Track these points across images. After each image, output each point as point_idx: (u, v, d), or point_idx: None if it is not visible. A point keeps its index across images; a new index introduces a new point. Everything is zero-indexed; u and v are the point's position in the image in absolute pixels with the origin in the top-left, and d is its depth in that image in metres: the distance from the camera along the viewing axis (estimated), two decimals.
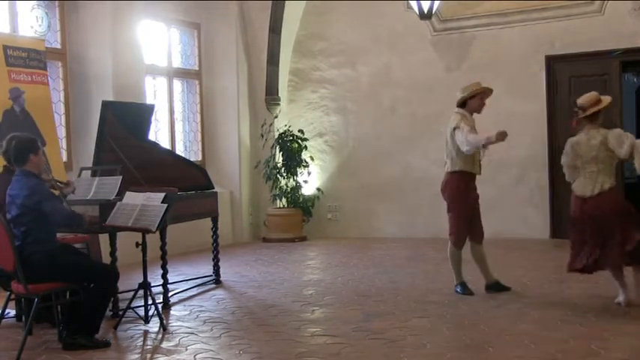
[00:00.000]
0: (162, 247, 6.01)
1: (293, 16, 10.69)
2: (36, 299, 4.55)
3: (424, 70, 10.10)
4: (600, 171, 5.34)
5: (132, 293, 5.38)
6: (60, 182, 5.27)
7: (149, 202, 5.15)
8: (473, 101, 6.04)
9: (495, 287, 6.08)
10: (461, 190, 5.97)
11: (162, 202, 5.11)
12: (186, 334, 4.99)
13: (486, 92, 6.10)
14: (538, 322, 4.99)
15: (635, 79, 10.77)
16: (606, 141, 5.28)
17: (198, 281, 6.99)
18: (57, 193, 5.11)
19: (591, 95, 5.45)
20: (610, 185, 5.34)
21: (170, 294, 6.14)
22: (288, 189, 10.46)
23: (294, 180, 10.49)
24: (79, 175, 6.33)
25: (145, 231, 5.13)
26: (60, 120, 8.23)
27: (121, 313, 5.36)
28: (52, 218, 4.66)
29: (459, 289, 6.05)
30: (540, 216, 9.52)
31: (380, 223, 10.38)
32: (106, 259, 5.93)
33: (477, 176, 6.11)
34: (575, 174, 5.53)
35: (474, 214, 6.06)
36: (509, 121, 8.98)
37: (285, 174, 10.44)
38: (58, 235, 5.13)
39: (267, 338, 4.82)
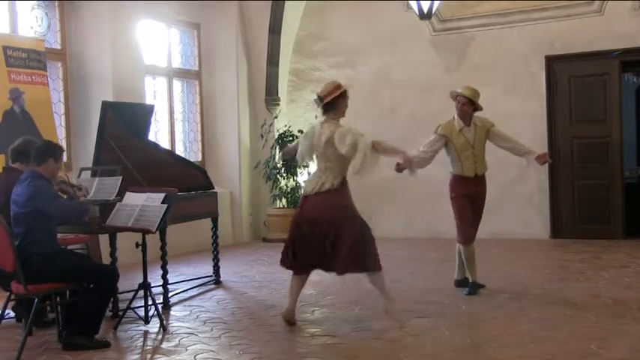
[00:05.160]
0: (162, 248, 6.00)
1: (293, 16, 10.68)
2: (36, 300, 4.55)
3: (424, 70, 10.09)
4: (327, 169, 5.06)
5: (132, 294, 5.38)
6: (72, 185, 5.29)
7: (149, 202, 5.16)
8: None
9: (464, 284, 6.18)
10: (453, 191, 6.09)
11: (162, 203, 5.11)
12: (186, 335, 4.99)
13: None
14: (538, 322, 4.99)
15: (635, 79, 10.76)
16: (333, 138, 4.96)
17: (199, 281, 6.99)
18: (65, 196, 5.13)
19: (330, 84, 5.14)
20: (330, 186, 5.00)
21: (170, 294, 6.14)
22: (288, 189, 10.46)
23: (294, 180, 10.48)
24: (79, 176, 6.33)
25: (144, 231, 5.13)
26: (60, 120, 8.24)
27: (120, 313, 5.36)
28: (61, 217, 4.69)
29: (470, 288, 6.06)
30: (540, 216, 9.51)
31: (380, 223, 10.32)
32: (106, 259, 5.94)
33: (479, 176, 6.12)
34: (309, 161, 5.35)
35: (473, 213, 6.10)
36: (509, 121, 9.00)
37: (285, 174, 10.44)
38: (59, 235, 5.14)
39: (267, 338, 4.82)
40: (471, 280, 6.11)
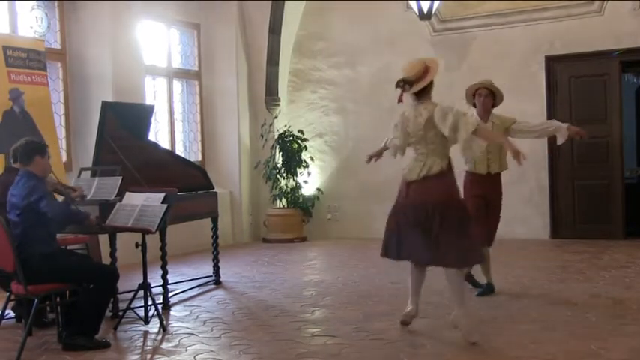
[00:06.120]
0: (162, 248, 6.00)
1: (293, 16, 10.68)
2: (35, 300, 4.55)
3: None
4: (430, 152, 4.62)
5: (132, 294, 5.38)
6: (67, 187, 5.28)
7: (149, 202, 5.16)
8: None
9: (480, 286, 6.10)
10: (467, 192, 5.74)
11: (162, 203, 5.11)
12: (186, 335, 4.99)
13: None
14: (538, 322, 4.99)
15: (635, 79, 10.76)
16: (433, 117, 4.54)
17: (199, 282, 6.98)
18: (62, 198, 5.13)
19: (417, 64, 4.62)
20: (439, 169, 4.57)
21: (170, 294, 6.13)
22: (288, 189, 10.46)
23: (293, 180, 10.49)
24: (79, 176, 6.33)
25: (144, 231, 5.13)
26: (60, 120, 8.24)
27: (120, 313, 5.36)
28: (50, 216, 4.66)
29: (483, 289, 5.97)
30: (540, 216, 9.51)
31: (380, 223, 10.14)
32: (106, 259, 5.93)
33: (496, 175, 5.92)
34: (402, 154, 4.85)
35: (487, 215, 5.86)
36: None
37: (284, 174, 10.44)
38: (59, 235, 5.14)
39: (267, 339, 4.82)
40: (485, 282, 6.04)
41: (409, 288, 4.97)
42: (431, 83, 4.65)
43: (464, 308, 4.61)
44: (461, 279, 4.69)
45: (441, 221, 4.47)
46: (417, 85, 4.58)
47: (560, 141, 5.92)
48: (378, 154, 5.28)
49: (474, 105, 5.98)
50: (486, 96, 5.87)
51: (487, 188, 5.84)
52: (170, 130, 9.88)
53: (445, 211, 4.50)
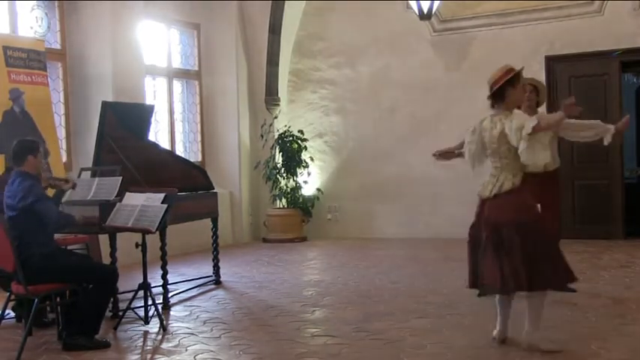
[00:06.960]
0: (162, 248, 6.00)
1: (293, 16, 10.69)
2: (35, 300, 4.55)
3: (424, 71, 10.09)
4: (504, 168, 4.36)
5: (132, 294, 5.38)
6: (59, 179, 5.28)
7: (149, 202, 5.16)
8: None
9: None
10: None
11: (162, 203, 5.11)
12: (186, 335, 4.99)
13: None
14: None
15: (635, 79, 10.77)
16: (505, 131, 4.27)
17: (199, 282, 6.98)
18: (54, 191, 5.13)
19: (500, 68, 4.37)
20: (511, 186, 4.31)
21: (170, 294, 6.13)
22: (288, 189, 10.46)
23: (293, 180, 10.49)
24: (79, 176, 6.33)
25: (144, 231, 5.13)
26: (60, 120, 8.23)
27: (120, 313, 5.36)
28: (46, 219, 4.65)
29: None
30: None
31: (380, 223, 10.38)
32: (106, 259, 5.94)
33: (537, 173, 5.46)
34: (480, 164, 4.54)
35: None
36: None
37: (284, 174, 10.44)
38: (60, 235, 5.14)
39: (267, 339, 4.82)
40: None
41: (497, 310, 4.59)
42: (509, 94, 4.32)
43: (539, 333, 4.34)
44: (542, 302, 4.36)
45: (510, 242, 4.20)
46: (493, 87, 4.34)
47: (607, 140, 5.49)
48: (447, 157, 5.02)
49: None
50: (531, 92, 5.64)
51: (542, 185, 5.24)
52: (170, 130, 9.88)
53: (519, 230, 4.20)
